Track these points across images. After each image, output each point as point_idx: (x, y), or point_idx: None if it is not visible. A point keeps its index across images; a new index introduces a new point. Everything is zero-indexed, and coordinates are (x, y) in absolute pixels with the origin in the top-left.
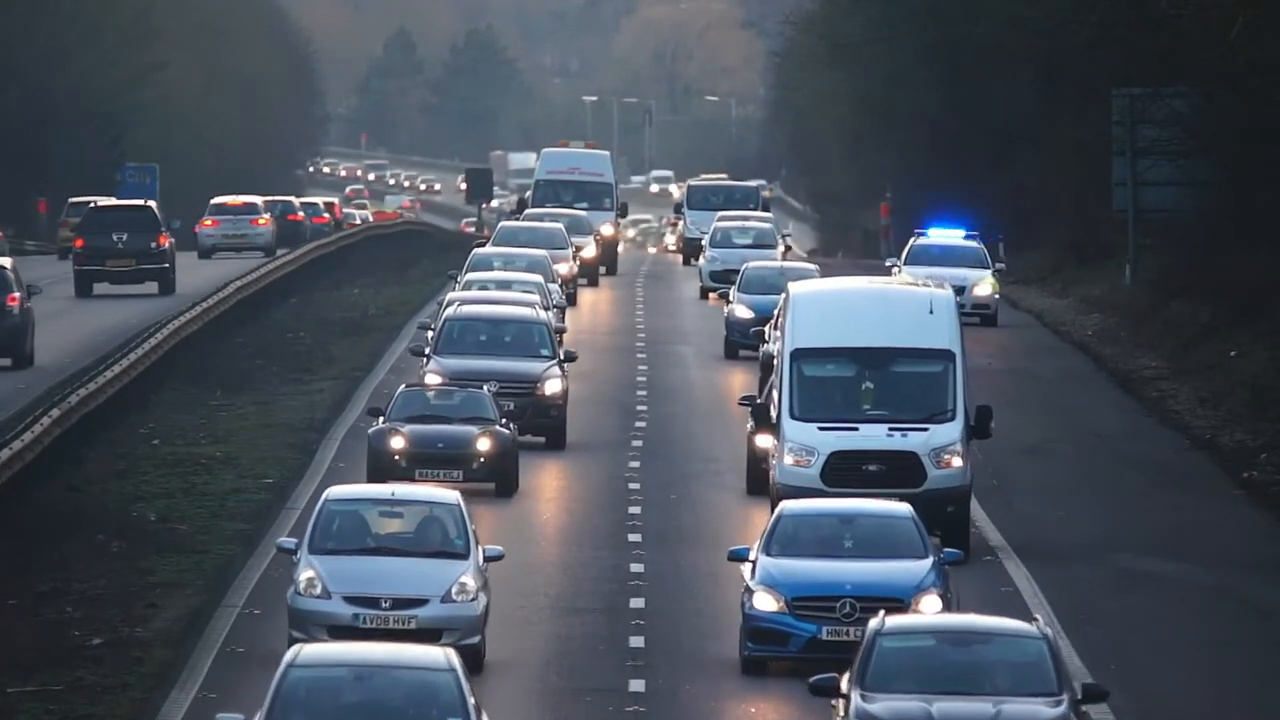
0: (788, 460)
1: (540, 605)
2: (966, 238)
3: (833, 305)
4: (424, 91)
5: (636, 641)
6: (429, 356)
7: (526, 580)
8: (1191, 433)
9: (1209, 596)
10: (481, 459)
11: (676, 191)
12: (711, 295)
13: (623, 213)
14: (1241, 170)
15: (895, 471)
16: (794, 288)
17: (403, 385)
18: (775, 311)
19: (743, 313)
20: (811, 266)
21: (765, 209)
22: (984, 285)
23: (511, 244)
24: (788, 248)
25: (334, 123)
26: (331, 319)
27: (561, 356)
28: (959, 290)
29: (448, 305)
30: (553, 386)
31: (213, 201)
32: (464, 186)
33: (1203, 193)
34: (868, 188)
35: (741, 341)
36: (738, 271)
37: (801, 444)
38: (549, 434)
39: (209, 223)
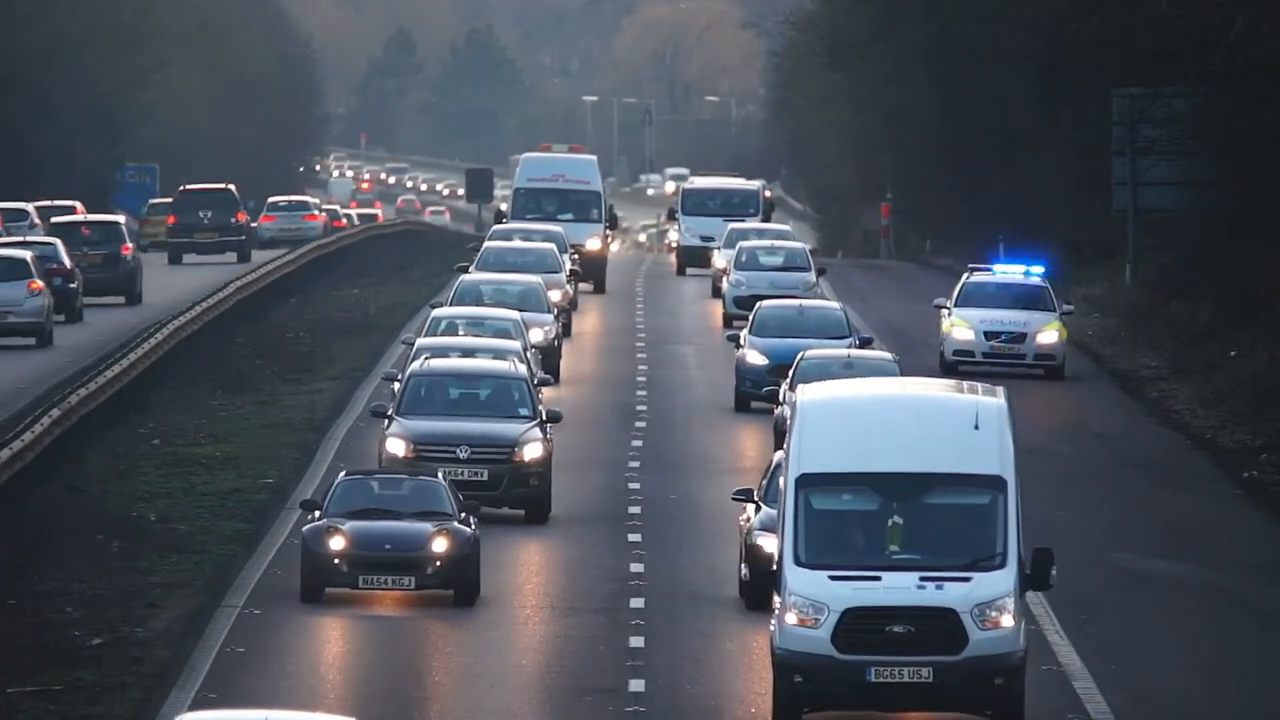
0: (790, 619)
1: (540, 605)
2: (1028, 274)
3: (850, 417)
4: (424, 91)
5: (636, 641)
6: (391, 418)
7: (526, 581)
8: (1191, 433)
9: (1209, 596)
10: (437, 562)
11: (651, 191)
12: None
13: (612, 224)
14: (1241, 170)
15: (928, 634)
16: (802, 394)
17: (342, 472)
18: (793, 365)
19: (755, 359)
20: (835, 305)
21: (768, 212)
22: (1049, 332)
23: (499, 268)
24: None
25: (334, 123)
26: (331, 319)
27: (544, 416)
28: (1019, 337)
29: (413, 358)
30: (533, 451)
31: (269, 200)
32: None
33: (1203, 193)
34: (868, 188)
35: (753, 393)
36: (765, 298)
37: (808, 598)
38: (529, 506)
39: (267, 218)
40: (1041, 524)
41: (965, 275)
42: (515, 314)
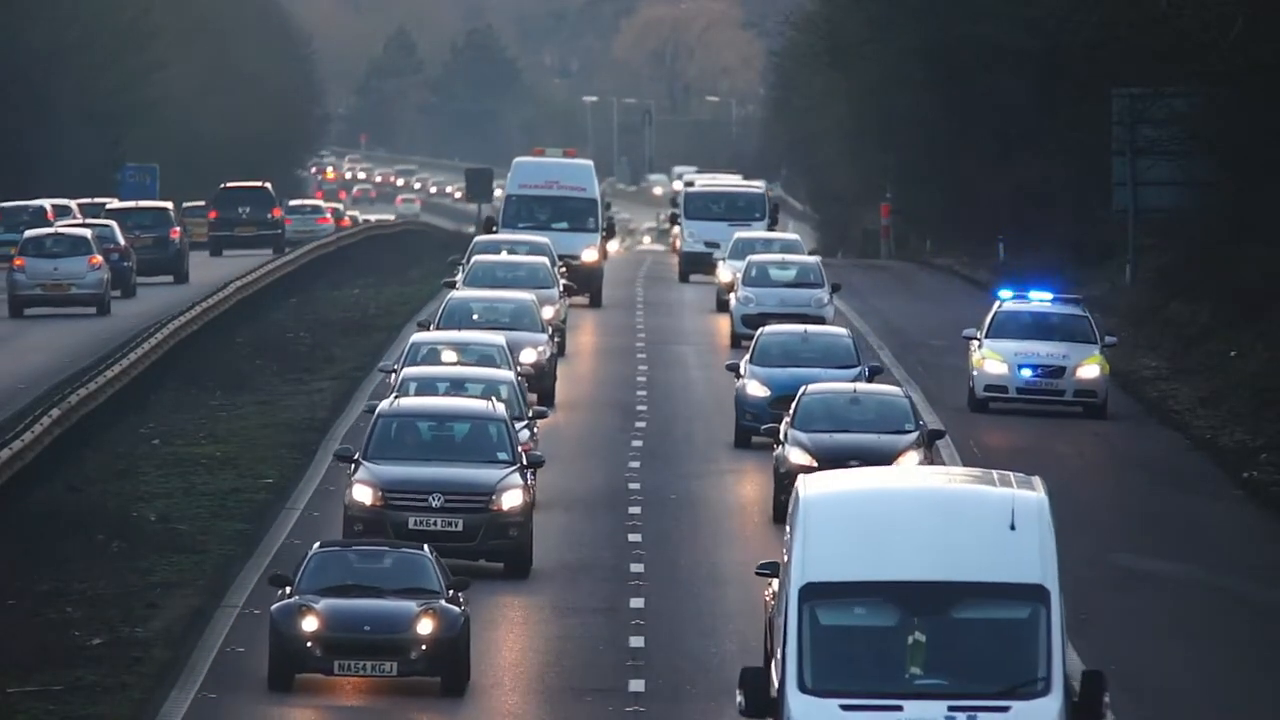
0: None
1: (540, 605)
2: (1061, 301)
3: (863, 515)
4: (424, 91)
5: (636, 641)
6: (357, 462)
7: (526, 581)
8: (1191, 433)
9: (1209, 596)
10: (422, 646)
11: (658, 190)
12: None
13: (610, 233)
14: (1241, 170)
15: None
16: (805, 486)
17: (316, 544)
18: (795, 400)
19: (756, 390)
20: (842, 332)
21: (773, 217)
22: (1090, 365)
23: (488, 283)
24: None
25: (334, 123)
26: (331, 319)
27: (524, 461)
28: (1058, 371)
29: (395, 390)
30: (512, 499)
31: (289, 203)
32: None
33: (1203, 193)
34: (868, 188)
35: (755, 426)
36: (776, 316)
37: None
38: (508, 559)
39: (286, 220)
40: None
41: (996, 305)
42: (500, 338)
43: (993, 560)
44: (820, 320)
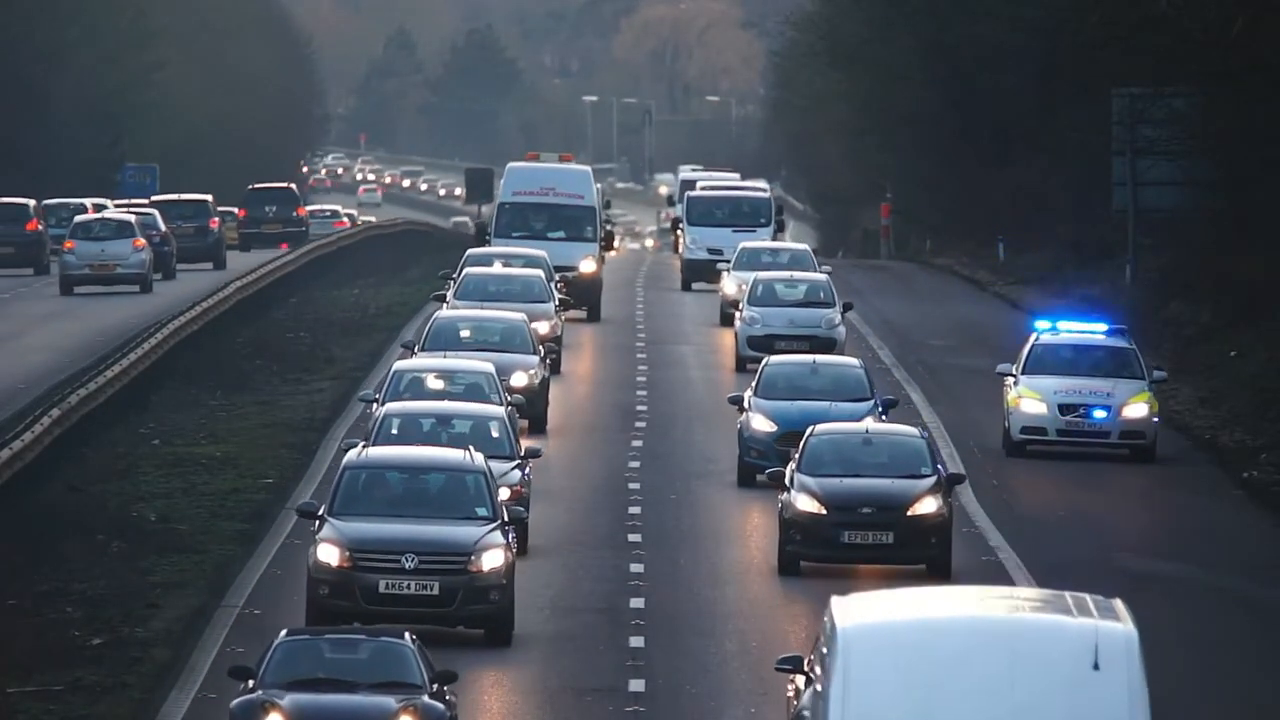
0: None
1: (540, 605)
2: (1110, 334)
3: (912, 654)
4: (424, 91)
5: (636, 641)
6: (322, 519)
7: (527, 580)
8: (1191, 433)
9: (1209, 597)
10: None
11: (664, 189)
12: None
13: (608, 243)
14: (1241, 170)
15: None
16: (841, 615)
17: (283, 631)
18: (802, 442)
19: (761, 424)
20: (854, 362)
21: (779, 221)
22: (1137, 404)
23: (479, 297)
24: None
25: (334, 123)
26: (331, 319)
27: (504, 518)
28: (1103, 410)
29: (373, 429)
30: (492, 560)
31: (309, 208)
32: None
33: (1203, 193)
34: (868, 188)
35: (759, 464)
36: (784, 337)
37: None
38: (488, 625)
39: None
40: (1041, 524)
41: (1033, 338)
42: (489, 365)
43: (1073, 711)
44: (832, 342)
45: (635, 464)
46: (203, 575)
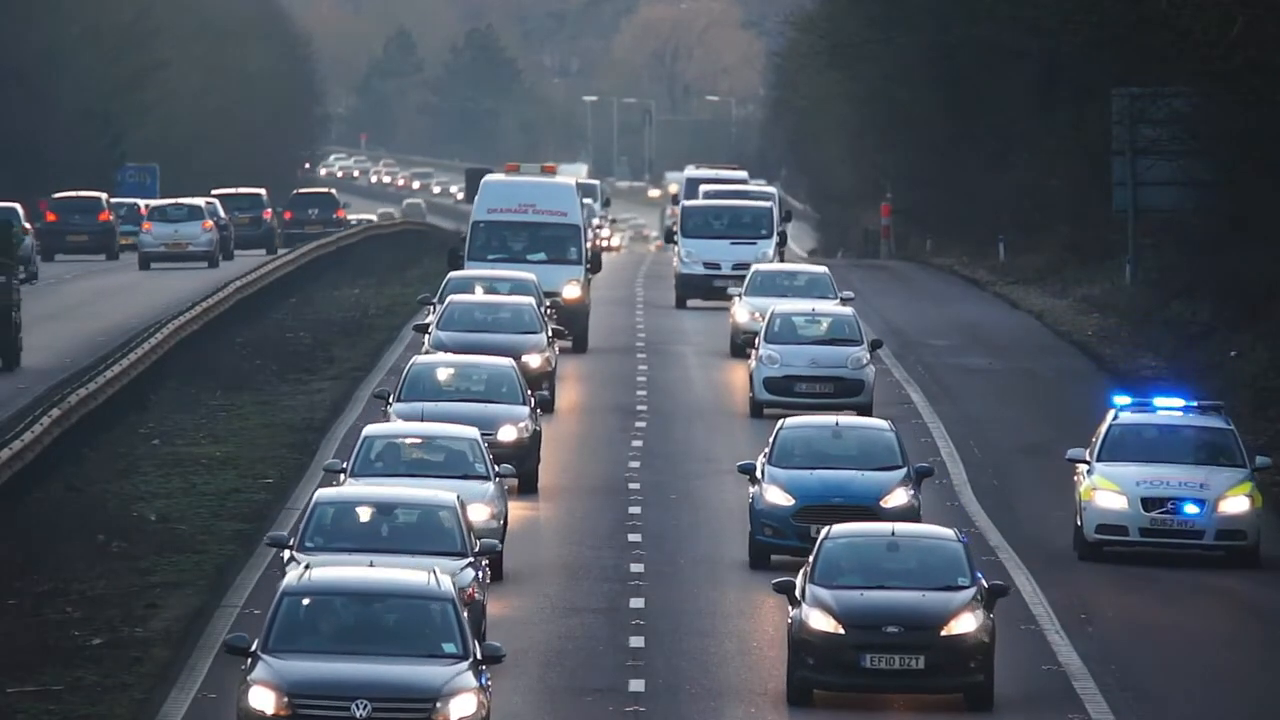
0: None
1: (540, 605)
2: (1197, 411)
3: None
4: (424, 91)
5: (636, 641)
6: (255, 655)
7: (527, 580)
8: None
9: (1209, 596)
10: None
11: (674, 188)
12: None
13: (595, 267)
14: (1241, 170)
15: None
16: None
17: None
18: (815, 547)
19: (777, 497)
20: (884, 426)
21: (782, 231)
22: (1237, 497)
23: (465, 327)
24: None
25: (334, 123)
26: (331, 319)
27: (478, 654)
28: (1196, 505)
29: (318, 487)
30: (462, 708)
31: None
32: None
33: (1203, 193)
34: (868, 188)
35: (774, 543)
36: (805, 379)
37: None
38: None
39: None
40: (1041, 523)
41: (1111, 415)
42: (473, 431)
43: None
44: (860, 384)
45: (635, 464)
46: (203, 575)
